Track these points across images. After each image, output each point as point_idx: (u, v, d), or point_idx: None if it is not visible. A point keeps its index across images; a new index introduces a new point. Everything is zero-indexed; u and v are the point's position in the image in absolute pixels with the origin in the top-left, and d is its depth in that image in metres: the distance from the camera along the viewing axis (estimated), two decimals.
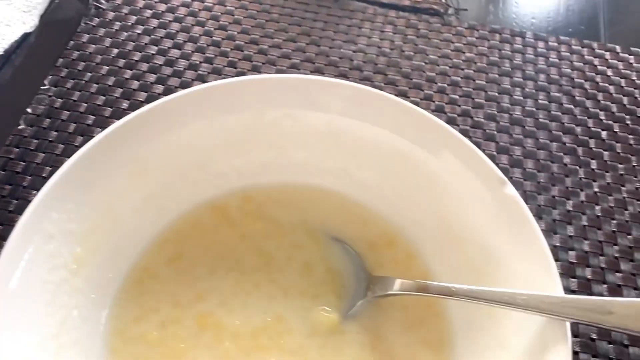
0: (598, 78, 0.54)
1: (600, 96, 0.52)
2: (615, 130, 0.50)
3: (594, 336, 0.38)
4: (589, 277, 0.41)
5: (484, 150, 0.47)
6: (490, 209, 0.33)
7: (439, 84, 0.52)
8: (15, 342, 0.28)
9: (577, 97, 0.52)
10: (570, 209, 0.45)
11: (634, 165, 0.48)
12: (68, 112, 0.48)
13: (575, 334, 0.38)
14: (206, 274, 0.36)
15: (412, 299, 0.35)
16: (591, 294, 0.41)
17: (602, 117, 0.51)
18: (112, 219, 0.34)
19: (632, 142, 0.49)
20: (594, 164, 0.48)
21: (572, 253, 0.43)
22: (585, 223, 0.45)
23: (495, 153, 0.48)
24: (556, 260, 0.42)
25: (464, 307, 0.34)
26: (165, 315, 0.34)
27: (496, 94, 0.52)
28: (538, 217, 0.44)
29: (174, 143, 0.36)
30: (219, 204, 0.38)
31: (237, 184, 0.39)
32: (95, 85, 0.50)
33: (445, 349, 0.33)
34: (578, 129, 0.50)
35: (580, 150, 0.49)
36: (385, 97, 0.35)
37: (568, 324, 0.28)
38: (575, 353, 0.37)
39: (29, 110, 0.48)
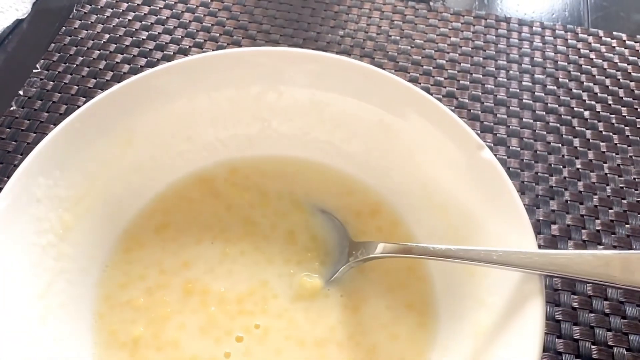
0: (581, 61, 0.55)
1: (583, 78, 0.53)
2: (597, 110, 0.51)
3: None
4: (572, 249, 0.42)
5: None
6: (468, 173, 0.33)
7: (425, 67, 0.53)
8: (4, 298, 0.28)
9: (560, 79, 0.53)
10: (554, 184, 0.46)
11: (615, 143, 0.49)
12: (59, 94, 0.49)
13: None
14: (192, 243, 0.37)
15: (394, 263, 0.35)
16: None
17: (585, 98, 0.52)
18: (99, 187, 0.35)
19: (613, 121, 0.50)
20: (576, 142, 0.49)
21: (554, 227, 0.44)
22: (568, 198, 0.45)
23: (479, 132, 0.49)
24: (539, 233, 0.43)
25: (444, 270, 0.34)
26: (152, 282, 0.35)
27: (480, 76, 0.53)
28: (521, 192, 0.45)
29: (159, 114, 0.37)
30: (205, 176, 0.39)
31: (223, 156, 0.39)
32: (86, 68, 0.51)
33: (428, 310, 0.34)
34: (561, 109, 0.51)
35: (563, 129, 0.50)
36: (365, 69, 0.36)
37: (542, 277, 0.28)
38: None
39: (20, 92, 0.49)
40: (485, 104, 0.51)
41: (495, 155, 0.47)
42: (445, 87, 0.52)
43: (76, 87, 0.49)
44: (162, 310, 0.34)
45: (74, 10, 0.55)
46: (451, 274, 0.34)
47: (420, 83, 0.52)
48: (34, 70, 0.50)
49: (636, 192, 0.46)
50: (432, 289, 0.35)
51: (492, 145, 0.48)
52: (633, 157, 0.48)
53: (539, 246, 0.33)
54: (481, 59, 0.54)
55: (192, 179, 0.39)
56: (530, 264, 0.28)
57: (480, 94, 0.51)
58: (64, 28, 0.54)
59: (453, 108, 0.50)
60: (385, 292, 0.35)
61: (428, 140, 0.35)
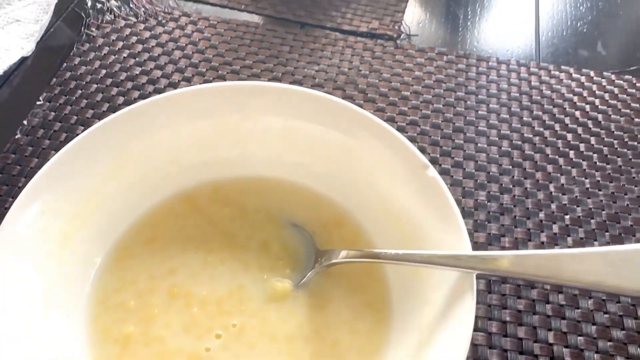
0: (532, 92, 0.61)
1: (533, 107, 0.59)
2: (545, 136, 0.57)
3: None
4: None
5: (428, 154, 0.54)
6: (416, 189, 0.38)
7: (391, 98, 0.59)
8: (9, 297, 0.33)
9: (512, 109, 0.59)
10: (504, 203, 0.51)
11: (560, 166, 0.54)
12: (60, 124, 0.54)
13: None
14: (178, 253, 0.41)
15: (356, 267, 0.40)
16: None
17: (535, 125, 0.58)
18: (96, 203, 0.40)
19: (559, 145, 0.56)
20: (526, 165, 0.54)
21: (504, 239, 0.49)
22: (517, 214, 0.51)
23: (438, 156, 0.54)
24: (489, 245, 0.48)
25: (398, 272, 0.39)
26: (142, 287, 0.40)
27: (441, 106, 0.59)
28: (475, 209, 0.51)
29: (149, 141, 0.42)
30: (190, 194, 0.44)
31: (206, 176, 0.45)
32: (85, 100, 0.56)
33: (384, 308, 0.39)
34: (513, 135, 0.57)
35: (514, 153, 0.55)
36: (327, 100, 0.41)
37: (474, 276, 0.33)
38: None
39: (25, 122, 0.54)
40: (444, 130, 0.56)
41: (453, 177, 0.53)
42: (409, 116, 0.57)
43: (75, 117, 0.55)
44: (151, 311, 0.39)
45: (74, 48, 0.61)
46: (403, 275, 0.39)
47: (386, 112, 0.57)
48: (37, 102, 0.56)
49: (578, 208, 0.51)
50: (388, 289, 0.40)
51: (449, 167, 0.53)
52: (576, 178, 0.53)
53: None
54: (442, 90, 0.60)
55: (178, 197, 0.44)
56: (463, 264, 0.33)
57: (440, 122, 0.57)
58: (65, 64, 0.59)
59: (415, 135, 0.56)
60: (348, 293, 0.40)
61: (383, 160, 0.40)
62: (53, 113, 0.55)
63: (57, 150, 0.51)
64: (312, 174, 0.45)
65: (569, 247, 0.49)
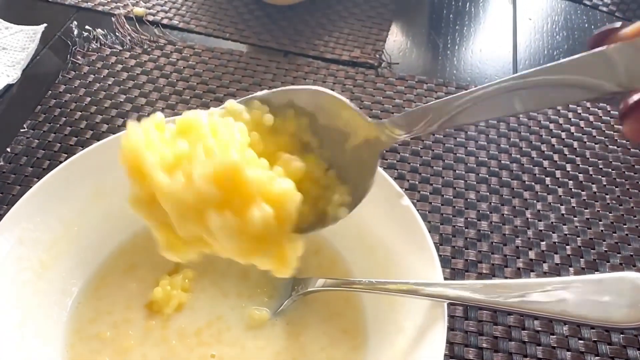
0: (510, 120, 0.62)
1: (511, 135, 0.60)
2: (522, 163, 0.58)
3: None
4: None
5: (408, 180, 0.55)
6: (391, 217, 0.39)
7: None
8: None
9: (490, 136, 0.60)
10: (482, 229, 0.52)
11: (537, 192, 0.55)
12: (43, 151, 0.55)
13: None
14: (155, 283, 0.42)
15: (333, 294, 0.41)
16: None
17: (512, 152, 0.59)
18: (74, 233, 0.40)
19: (536, 172, 0.57)
20: (503, 191, 0.55)
21: (481, 265, 0.49)
22: (495, 241, 0.51)
23: (417, 182, 0.55)
24: (466, 271, 0.49)
25: (374, 300, 0.40)
26: (118, 318, 0.40)
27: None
28: (453, 235, 0.51)
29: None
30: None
31: None
32: (69, 128, 0.57)
33: (360, 335, 0.39)
34: (491, 162, 0.58)
35: (492, 179, 0.56)
36: None
37: (445, 305, 0.34)
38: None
39: (8, 149, 0.55)
40: (424, 158, 0.57)
41: (431, 203, 0.53)
42: None
43: (59, 145, 0.55)
44: (126, 343, 0.39)
45: (60, 76, 0.62)
46: (379, 303, 0.39)
47: None
48: (21, 130, 0.56)
49: (554, 234, 0.52)
50: (364, 316, 0.40)
51: (428, 194, 0.54)
52: (552, 204, 0.54)
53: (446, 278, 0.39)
54: None
55: None
56: (434, 293, 0.34)
57: (419, 149, 0.58)
58: (50, 92, 0.60)
59: (395, 162, 0.57)
60: (324, 320, 0.40)
61: None
62: (37, 140, 0.56)
63: (39, 178, 0.52)
64: None
65: (545, 273, 0.49)
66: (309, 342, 0.39)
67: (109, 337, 0.39)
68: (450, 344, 0.44)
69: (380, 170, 0.41)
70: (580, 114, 0.63)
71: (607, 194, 0.55)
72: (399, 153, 0.57)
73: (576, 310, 0.29)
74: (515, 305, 0.31)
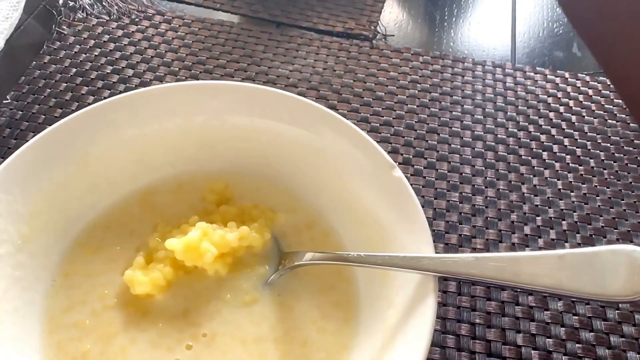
0: (508, 93, 0.60)
1: (508, 109, 0.59)
2: (519, 137, 0.57)
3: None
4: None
5: (402, 154, 0.54)
6: (383, 190, 0.38)
7: (365, 99, 0.58)
8: None
9: (487, 110, 0.59)
10: (476, 204, 0.51)
11: (533, 167, 0.54)
12: (27, 123, 0.53)
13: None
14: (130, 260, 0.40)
15: (325, 268, 0.40)
16: None
17: (509, 127, 0.57)
18: (55, 205, 0.39)
19: (533, 147, 0.56)
20: (499, 166, 0.54)
21: (475, 240, 0.48)
22: (490, 215, 0.50)
23: (411, 157, 0.54)
24: (460, 246, 0.48)
25: (366, 274, 0.39)
26: (97, 305, 0.38)
27: (415, 107, 0.58)
28: (447, 210, 0.50)
29: (113, 140, 0.41)
30: (150, 191, 0.43)
31: (171, 176, 0.44)
32: (53, 99, 0.55)
33: (352, 308, 0.38)
34: (487, 136, 0.56)
35: (488, 154, 0.55)
36: (295, 99, 0.41)
37: (436, 279, 0.33)
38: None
39: None
40: (418, 131, 0.56)
41: (425, 178, 0.52)
42: (382, 117, 0.57)
43: (43, 117, 0.54)
44: (109, 329, 0.37)
45: (45, 47, 0.60)
46: (371, 277, 0.38)
47: (360, 113, 0.57)
48: (4, 101, 0.55)
49: (550, 209, 0.51)
50: (356, 290, 0.39)
51: (422, 168, 0.53)
52: (548, 179, 0.53)
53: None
54: (417, 91, 0.60)
55: (137, 196, 0.43)
56: (425, 267, 0.33)
57: (414, 122, 0.57)
58: (34, 62, 0.58)
59: (389, 135, 0.55)
60: (317, 294, 0.39)
61: (350, 160, 0.40)
62: (20, 112, 0.54)
63: None
64: (282, 174, 0.44)
65: (540, 248, 0.48)
66: (301, 315, 0.38)
67: (89, 325, 0.38)
68: (442, 319, 0.43)
69: (371, 141, 0.40)
70: (579, 87, 0.61)
71: (605, 169, 0.54)
72: (393, 127, 0.56)
73: (571, 284, 0.28)
74: (508, 279, 0.30)
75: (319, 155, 0.42)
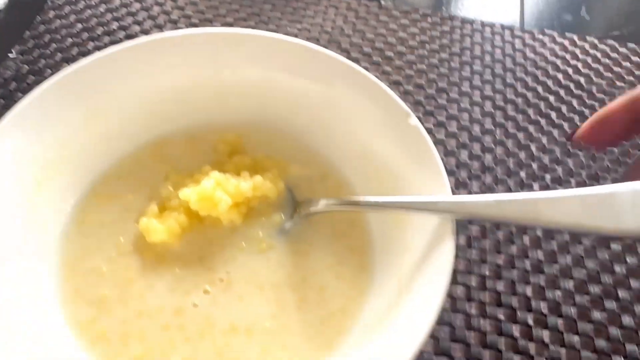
0: (516, 55, 0.60)
1: (517, 70, 0.59)
2: (528, 97, 0.57)
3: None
4: None
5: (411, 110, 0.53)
6: (399, 138, 0.38)
7: (374, 59, 0.58)
8: None
9: (495, 70, 0.59)
10: (486, 162, 0.51)
11: (542, 126, 0.54)
12: (34, 77, 0.52)
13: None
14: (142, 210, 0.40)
15: (339, 216, 0.40)
16: None
17: (518, 87, 0.57)
18: (69, 151, 0.39)
19: (542, 107, 0.56)
20: (508, 125, 0.54)
21: None
22: (499, 173, 0.51)
23: (421, 116, 0.54)
24: None
25: (380, 220, 0.39)
26: (113, 252, 0.38)
27: (425, 67, 0.58)
28: (457, 167, 0.50)
29: (124, 90, 0.40)
30: (162, 143, 0.43)
31: (182, 127, 0.44)
32: (59, 54, 0.55)
33: (367, 253, 0.39)
34: (496, 96, 0.56)
35: (497, 113, 0.55)
36: (308, 48, 0.40)
37: (454, 220, 0.33)
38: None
39: None
40: (428, 91, 0.56)
41: (436, 136, 0.52)
42: (392, 77, 0.57)
43: (49, 71, 0.53)
44: (126, 275, 0.37)
45: (48, 2, 0.59)
46: (385, 223, 0.38)
47: (369, 72, 0.56)
48: (9, 55, 0.54)
49: (558, 167, 0.51)
50: (370, 236, 0.39)
51: (432, 127, 0.53)
52: (557, 139, 0.53)
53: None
54: (426, 52, 0.59)
55: (150, 147, 0.43)
56: (442, 208, 0.33)
57: (424, 82, 0.57)
58: (39, 17, 0.57)
59: (399, 94, 0.55)
60: (331, 240, 0.39)
61: (365, 109, 0.40)
62: (26, 66, 0.53)
63: None
64: (295, 126, 0.44)
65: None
66: (317, 261, 0.38)
67: (106, 271, 0.38)
68: (453, 271, 0.44)
69: (386, 89, 0.40)
70: (587, 50, 0.61)
71: None
72: (403, 86, 0.56)
73: (589, 222, 0.28)
74: (527, 219, 0.31)
75: (331, 105, 0.42)
